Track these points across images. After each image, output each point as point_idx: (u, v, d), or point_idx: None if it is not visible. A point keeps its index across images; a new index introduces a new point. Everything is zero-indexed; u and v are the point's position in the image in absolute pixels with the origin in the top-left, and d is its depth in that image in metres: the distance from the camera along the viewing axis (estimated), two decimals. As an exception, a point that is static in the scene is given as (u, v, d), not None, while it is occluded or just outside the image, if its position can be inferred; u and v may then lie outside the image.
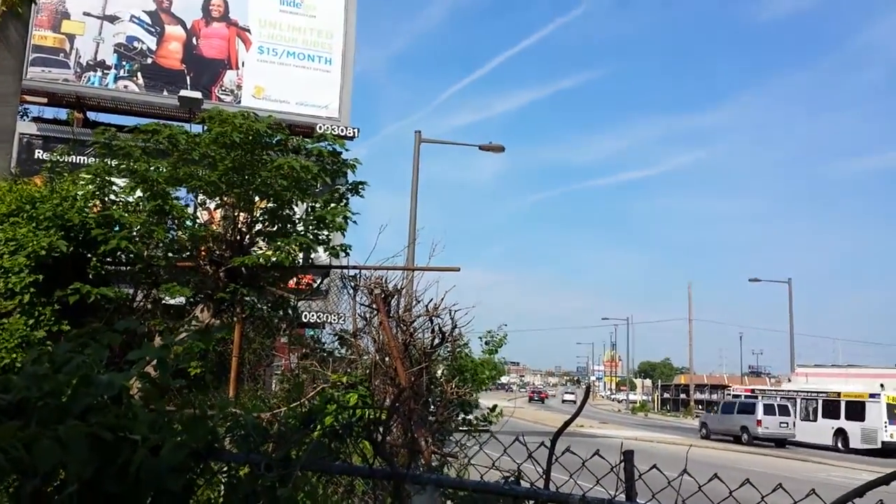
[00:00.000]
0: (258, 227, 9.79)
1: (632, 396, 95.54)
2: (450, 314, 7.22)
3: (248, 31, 22.08)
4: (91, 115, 21.48)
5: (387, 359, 6.73)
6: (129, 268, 9.51)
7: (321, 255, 10.32)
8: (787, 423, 35.75)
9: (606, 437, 32.68)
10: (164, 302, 9.68)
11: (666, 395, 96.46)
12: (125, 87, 20.93)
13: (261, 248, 9.53)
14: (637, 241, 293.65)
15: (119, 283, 9.52)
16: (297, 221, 9.85)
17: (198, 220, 10.05)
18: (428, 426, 6.24)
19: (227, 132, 8.73)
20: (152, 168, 9.09)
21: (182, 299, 9.50)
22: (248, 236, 9.65)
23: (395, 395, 5.75)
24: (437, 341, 7.30)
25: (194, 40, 21.74)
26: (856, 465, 25.83)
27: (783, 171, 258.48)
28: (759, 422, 35.30)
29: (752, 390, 44.31)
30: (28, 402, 2.38)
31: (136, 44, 21.21)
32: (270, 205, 9.68)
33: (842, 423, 34.29)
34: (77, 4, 20.87)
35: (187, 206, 9.91)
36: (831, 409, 35.18)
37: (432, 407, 7.05)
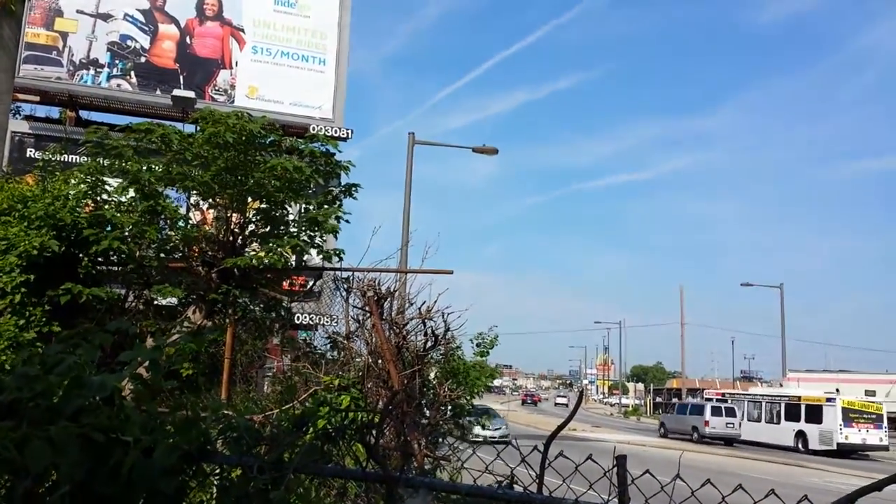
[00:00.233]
0: (251, 228, 9.77)
1: (624, 400, 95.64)
2: (443, 317, 7.23)
3: (242, 30, 22.04)
4: (84, 114, 21.39)
5: (379, 361, 6.73)
6: (120, 268, 9.47)
7: (314, 258, 10.31)
8: (733, 424, 38.80)
9: (599, 440, 32.76)
10: (155, 303, 9.64)
11: (658, 399, 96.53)
12: (118, 85, 20.85)
13: (254, 250, 9.51)
14: (630, 244, 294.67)
15: (111, 284, 9.48)
16: (290, 223, 9.83)
17: (190, 221, 10.01)
18: (421, 429, 6.23)
19: (221, 132, 8.70)
20: (144, 168, 9.05)
21: (174, 300, 9.47)
22: (240, 237, 9.63)
23: (389, 398, 5.74)
24: (429, 344, 7.30)
25: (188, 39, 21.69)
26: (852, 472, 25.95)
27: (777, 175, 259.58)
28: (706, 422, 38.60)
29: (723, 394, 46.38)
30: (20, 402, 2.36)
31: (129, 42, 21.14)
32: (263, 206, 9.66)
33: (802, 425, 36.14)
34: (70, 2, 20.78)
35: (180, 206, 9.88)
36: (793, 413, 37.08)
37: (425, 410, 7.05)
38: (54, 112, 21.84)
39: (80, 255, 8.85)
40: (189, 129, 10.48)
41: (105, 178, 9.36)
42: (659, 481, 2.30)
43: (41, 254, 8.24)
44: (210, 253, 9.43)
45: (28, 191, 8.96)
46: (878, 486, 2.20)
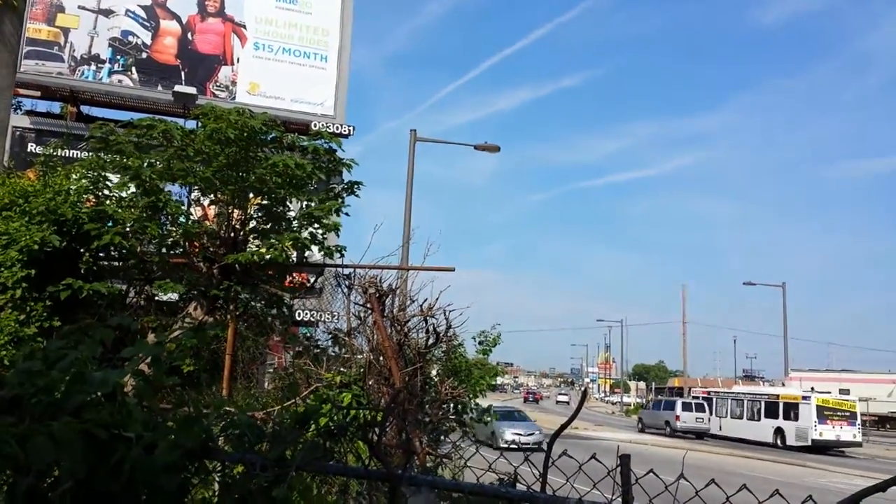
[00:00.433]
0: (252, 224, 9.76)
1: (626, 399, 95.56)
2: (444, 314, 7.22)
3: (244, 26, 22.01)
4: (84, 109, 21.37)
5: (381, 358, 6.72)
6: (121, 263, 9.46)
7: (315, 254, 10.30)
8: (702, 419, 41.75)
9: (601, 439, 32.81)
10: (156, 298, 9.64)
11: (660, 398, 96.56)
12: (119, 81, 20.83)
13: (255, 246, 9.50)
14: (632, 243, 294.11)
15: (112, 279, 9.47)
16: (291, 219, 9.82)
17: (191, 217, 10.01)
18: (422, 427, 6.23)
19: (222, 128, 8.69)
20: (146, 164, 9.04)
21: (175, 296, 9.46)
22: (241, 233, 9.62)
23: (391, 396, 5.73)
24: (431, 341, 7.29)
25: (189, 35, 21.66)
26: (854, 471, 25.93)
27: (781, 174, 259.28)
28: (677, 417, 41.52)
29: (708, 392, 47.89)
30: (22, 398, 2.36)
31: (130, 38, 21.11)
32: (264, 202, 9.65)
33: (780, 422, 37.47)
34: (72, -2, 20.76)
35: (181, 202, 9.87)
36: (772, 410, 38.44)
37: (427, 407, 7.04)
38: (55, 107, 21.85)
39: (82, 250, 8.85)
40: (190, 125, 10.46)
41: (106, 174, 9.35)
42: (663, 481, 2.29)
43: (42, 249, 8.23)
44: (211, 249, 9.42)
45: (29, 186, 8.95)
46: (882, 487, 2.19)
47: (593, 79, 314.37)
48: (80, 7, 20.81)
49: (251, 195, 9.48)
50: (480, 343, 11.70)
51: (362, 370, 6.99)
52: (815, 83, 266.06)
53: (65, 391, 2.40)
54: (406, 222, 21.98)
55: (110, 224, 8.85)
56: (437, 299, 7.17)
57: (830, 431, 35.45)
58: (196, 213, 10.29)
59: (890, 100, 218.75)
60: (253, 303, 9.83)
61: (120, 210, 9.02)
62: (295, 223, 9.78)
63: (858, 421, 36.84)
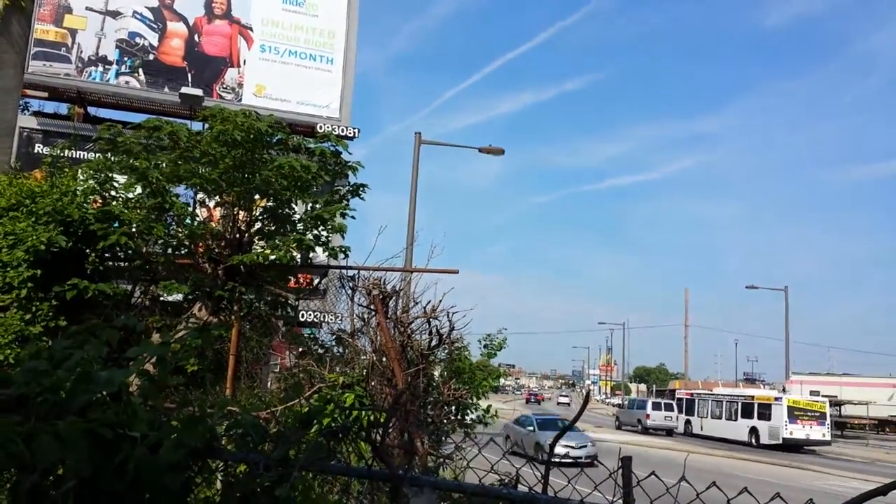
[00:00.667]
0: (257, 225, 9.79)
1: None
2: (447, 316, 7.23)
3: (251, 29, 22.07)
4: (92, 111, 21.44)
5: (384, 359, 6.74)
6: (127, 264, 9.50)
7: (320, 255, 10.32)
8: (670, 417, 45.72)
9: (603, 441, 32.76)
10: (161, 299, 9.67)
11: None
12: (126, 82, 20.90)
13: (260, 247, 9.53)
14: (634, 246, 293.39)
15: (117, 280, 9.51)
16: (296, 221, 9.85)
17: (197, 218, 10.04)
18: (424, 428, 6.24)
19: (229, 130, 8.73)
20: (153, 165, 9.08)
21: (180, 296, 9.49)
22: (247, 235, 9.65)
23: (395, 397, 5.75)
24: (434, 343, 7.31)
25: (196, 37, 21.73)
26: (854, 475, 25.87)
27: (782, 177, 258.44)
28: (647, 416, 45.66)
29: (692, 393, 49.84)
30: (28, 397, 2.38)
31: (137, 39, 21.19)
32: (270, 204, 9.68)
33: (755, 422, 39.37)
34: (80, -1, 20.85)
35: (187, 203, 9.90)
36: (747, 411, 40.36)
37: (429, 409, 7.05)
38: (62, 108, 21.92)
39: (87, 250, 8.88)
40: (197, 126, 10.50)
41: (113, 175, 9.39)
42: (664, 483, 2.30)
43: (48, 249, 8.27)
44: (216, 250, 9.45)
45: (36, 186, 8.99)
46: (883, 491, 2.20)
47: (595, 82, 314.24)
48: (87, 8, 20.89)
49: (257, 197, 9.51)
50: (486, 347, 11.70)
51: (365, 371, 7.01)
52: (817, 86, 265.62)
53: (70, 390, 2.42)
54: (410, 225, 22.00)
55: (116, 225, 8.89)
56: (440, 301, 7.19)
57: (801, 431, 37.12)
58: (201, 214, 10.32)
59: (891, 103, 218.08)
60: (257, 304, 9.85)
61: (126, 211, 9.06)
62: (300, 225, 9.80)
63: (828, 421, 38.50)
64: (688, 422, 45.20)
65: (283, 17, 22.25)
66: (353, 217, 9.97)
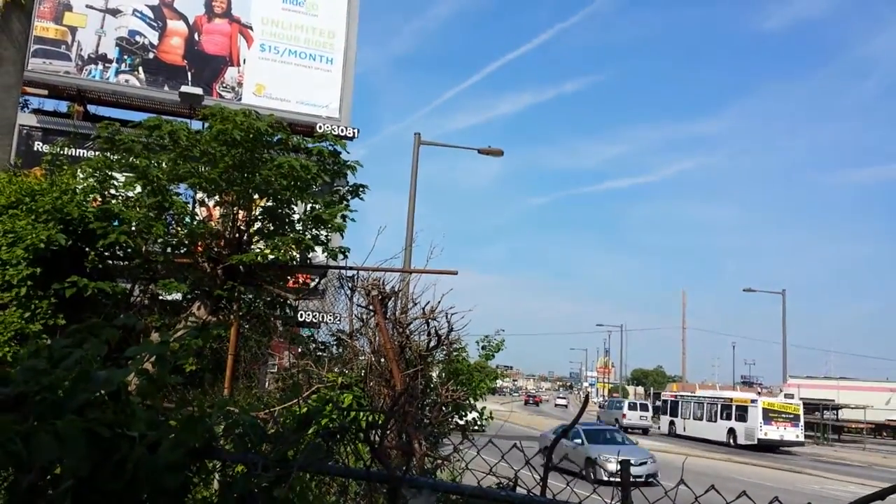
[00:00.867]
0: (257, 225, 9.79)
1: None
2: (446, 317, 7.23)
3: (251, 28, 22.07)
4: (91, 109, 21.44)
5: (382, 360, 6.73)
6: (127, 263, 9.50)
7: (319, 255, 10.32)
8: (645, 417, 49.89)
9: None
10: (160, 298, 9.67)
11: (657, 403, 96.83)
12: (126, 81, 20.90)
13: (259, 247, 9.53)
14: (632, 248, 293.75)
15: (116, 278, 9.51)
16: (295, 221, 9.85)
17: (197, 217, 10.03)
18: (422, 429, 6.24)
19: (229, 130, 8.73)
20: (153, 164, 9.08)
21: (179, 295, 9.49)
22: (246, 234, 9.65)
23: (394, 398, 5.75)
24: (432, 344, 7.31)
25: (196, 36, 21.73)
26: (849, 479, 25.90)
27: (781, 180, 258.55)
28: (623, 415, 48.87)
29: (675, 395, 52.21)
30: (26, 396, 2.37)
31: (137, 38, 21.19)
32: (269, 203, 9.68)
33: (732, 423, 41.15)
34: (80, -3, 20.84)
35: (187, 203, 9.90)
36: (726, 412, 42.19)
37: (427, 410, 7.05)
38: (62, 106, 21.92)
39: (87, 249, 8.87)
40: (196, 125, 10.50)
41: (113, 173, 9.39)
42: (663, 486, 2.30)
43: (48, 247, 8.26)
44: (216, 249, 9.45)
45: (36, 184, 8.98)
46: (881, 495, 2.20)
47: (595, 84, 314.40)
48: (87, 6, 20.89)
49: (256, 196, 9.51)
50: (484, 348, 11.70)
51: (363, 372, 7.00)
52: (816, 89, 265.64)
53: (69, 389, 2.41)
54: (409, 225, 22.00)
55: (116, 223, 8.89)
56: (439, 302, 7.19)
57: (775, 432, 38.97)
58: (201, 213, 10.32)
59: (890, 106, 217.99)
60: (256, 303, 9.85)
61: (126, 209, 9.06)
62: (299, 225, 9.80)
63: (801, 423, 40.26)
64: (671, 423, 47.53)
65: (284, 16, 22.25)
66: (353, 220, 9.97)
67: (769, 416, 39.36)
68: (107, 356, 2.71)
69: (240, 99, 20.81)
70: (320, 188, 10.03)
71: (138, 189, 9.19)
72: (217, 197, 9.72)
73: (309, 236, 9.63)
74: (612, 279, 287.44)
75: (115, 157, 9.34)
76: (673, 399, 50.37)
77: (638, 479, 17.21)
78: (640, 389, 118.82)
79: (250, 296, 9.55)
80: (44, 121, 20.42)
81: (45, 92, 20.72)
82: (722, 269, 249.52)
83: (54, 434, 2.22)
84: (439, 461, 6.33)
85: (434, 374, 8.03)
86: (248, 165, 9.11)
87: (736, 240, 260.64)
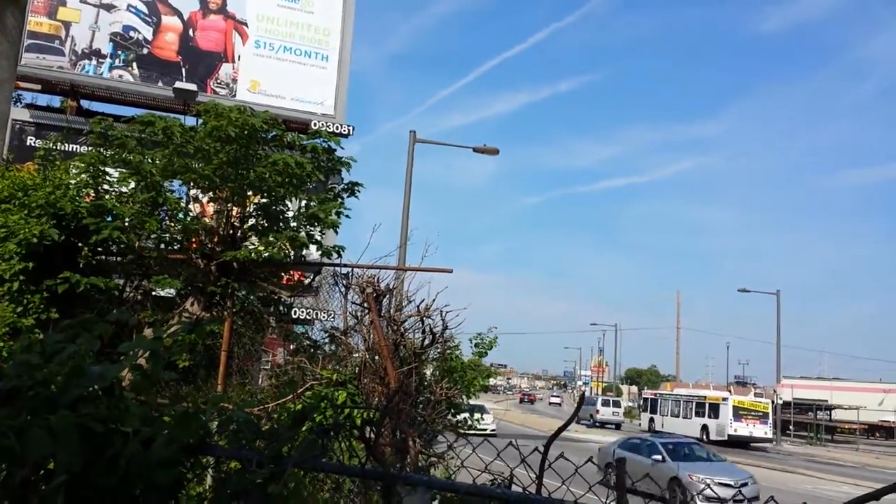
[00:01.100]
0: (251, 222, 9.76)
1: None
2: (441, 315, 7.23)
3: (246, 24, 22.01)
4: (85, 104, 21.34)
5: (376, 358, 6.73)
6: (120, 258, 9.46)
7: (313, 252, 10.30)
8: (617, 413, 55.95)
9: (592, 441, 32.86)
10: (153, 294, 9.64)
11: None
12: (120, 76, 20.81)
13: (252, 244, 9.50)
14: (627, 248, 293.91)
15: (109, 274, 9.47)
16: (289, 218, 9.83)
17: (190, 213, 10.00)
18: (416, 426, 6.23)
19: (223, 126, 8.70)
20: (147, 159, 9.05)
21: (172, 291, 9.46)
22: (240, 231, 9.62)
23: (389, 396, 5.74)
24: (427, 342, 7.30)
25: (191, 32, 21.65)
26: (842, 479, 26.02)
27: (778, 181, 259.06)
28: (597, 411, 54.85)
29: (655, 393, 55.44)
30: (19, 390, 2.36)
31: (132, 33, 21.10)
32: (263, 200, 9.65)
33: (705, 420, 43.22)
34: (74, -9, 20.74)
35: (180, 199, 9.87)
36: (700, 410, 44.21)
37: (421, 408, 7.05)
38: (55, 101, 21.79)
39: (80, 244, 8.84)
40: (190, 121, 10.46)
41: (106, 168, 9.35)
42: (658, 485, 2.30)
43: (41, 242, 8.22)
44: (209, 245, 9.42)
45: (29, 179, 8.94)
46: (875, 496, 2.20)
47: (590, 84, 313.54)
48: (81, 1, 20.79)
49: (250, 193, 9.49)
50: (476, 346, 11.71)
51: (358, 369, 6.99)
52: (815, 90, 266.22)
53: (62, 385, 2.40)
54: (404, 223, 21.98)
55: (109, 219, 8.85)
56: (433, 300, 7.19)
57: (744, 428, 40.77)
58: (195, 209, 10.29)
59: (888, 108, 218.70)
60: (250, 300, 9.83)
61: (119, 205, 9.02)
62: (293, 222, 9.78)
63: (770, 420, 42.22)
64: (651, 419, 49.49)
65: (279, 13, 22.19)
66: (347, 216, 9.97)
67: (739, 413, 41.16)
68: (99, 351, 2.69)
69: (234, 95, 20.75)
70: (315, 185, 10.01)
71: (132, 185, 9.15)
72: (211, 193, 9.69)
73: (303, 233, 9.61)
74: (607, 279, 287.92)
75: (109, 153, 9.30)
76: (653, 397, 52.84)
77: (740, 501, 15.02)
78: (634, 388, 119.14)
79: (244, 292, 9.52)
80: (37, 115, 20.32)
81: (39, 87, 20.62)
82: (717, 270, 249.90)
83: (47, 429, 2.20)
84: (433, 459, 6.33)
85: (428, 372, 8.03)
86: (242, 162, 9.09)
87: (732, 240, 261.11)
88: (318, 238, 9.85)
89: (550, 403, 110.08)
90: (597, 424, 53.03)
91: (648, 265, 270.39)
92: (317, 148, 9.76)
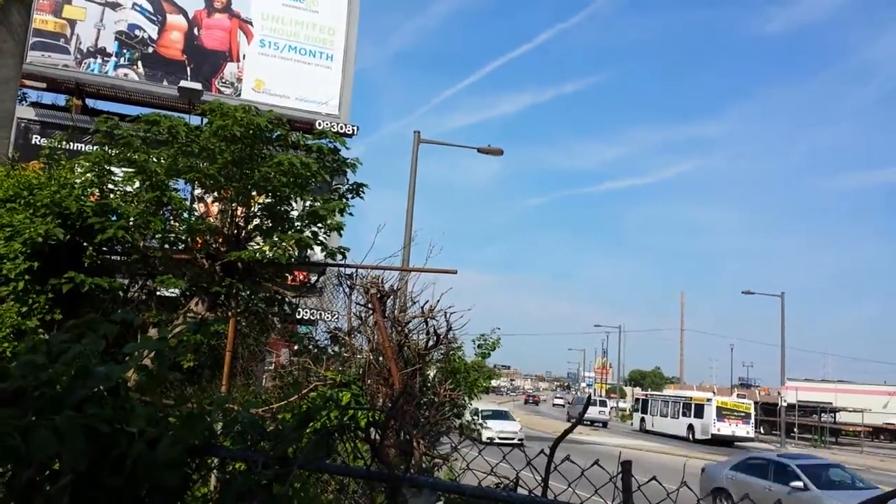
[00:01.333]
0: (255, 221, 9.77)
1: (622, 404, 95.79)
2: (445, 316, 7.21)
3: (251, 23, 22.04)
4: (90, 103, 21.39)
5: (381, 359, 6.72)
6: (124, 258, 9.47)
7: (317, 253, 10.31)
8: (604, 412, 58.66)
9: (599, 444, 32.89)
10: (158, 294, 9.65)
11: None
12: (125, 75, 20.85)
13: (257, 244, 9.51)
14: (631, 249, 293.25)
15: (114, 274, 9.48)
16: (294, 218, 9.83)
17: (195, 213, 10.01)
18: (420, 427, 6.23)
19: (228, 126, 8.71)
20: (151, 159, 9.06)
21: (176, 291, 9.47)
22: (244, 231, 9.63)
23: (394, 398, 5.74)
24: (431, 343, 7.29)
25: (196, 31, 21.69)
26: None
27: (780, 183, 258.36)
28: None
29: (646, 394, 58.55)
30: (25, 391, 2.35)
31: (137, 32, 21.14)
32: (268, 200, 9.66)
33: (691, 419, 45.10)
34: (80, -10, 20.78)
35: (185, 198, 9.88)
36: (687, 410, 46.11)
37: (424, 409, 7.04)
38: (60, 99, 21.84)
39: (85, 243, 8.85)
40: (195, 120, 10.48)
41: (111, 168, 9.36)
42: (665, 488, 2.29)
43: (46, 241, 8.23)
44: (214, 245, 9.43)
45: (34, 178, 8.95)
46: (883, 500, 2.19)
47: (594, 85, 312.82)
48: None
49: (255, 193, 9.49)
50: (479, 347, 11.71)
51: (362, 370, 6.99)
52: (817, 93, 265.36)
53: (68, 385, 2.40)
54: (408, 224, 21.97)
55: (114, 218, 8.86)
56: (438, 301, 7.18)
57: (727, 428, 42.55)
58: (199, 209, 10.30)
59: (890, 111, 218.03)
60: (254, 300, 9.83)
61: (124, 204, 9.03)
62: (297, 222, 9.78)
63: (752, 420, 44.21)
64: (642, 419, 52.14)
65: (284, 12, 22.22)
66: (351, 214, 9.97)
67: (722, 413, 43.00)
68: (104, 351, 2.69)
69: (239, 94, 20.78)
70: (319, 185, 10.02)
71: (136, 184, 9.16)
72: (216, 193, 9.70)
73: (308, 233, 9.61)
74: (611, 280, 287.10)
75: (114, 152, 9.31)
76: (644, 398, 55.79)
77: None
78: (638, 390, 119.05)
79: (248, 292, 9.53)
80: (42, 114, 20.37)
81: (44, 85, 20.66)
82: (721, 272, 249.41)
83: (53, 429, 2.20)
84: (437, 460, 6.32)
85: (431, 373, 8.02)
86: (247, 162, 9.09)
87: (735, 242, 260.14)
88: (323, 239, 9.85)
89: (554, 405, 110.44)
90: (584, 422, 55.40)
91: (652, 267, 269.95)
92: (322, 148, 9.76)
